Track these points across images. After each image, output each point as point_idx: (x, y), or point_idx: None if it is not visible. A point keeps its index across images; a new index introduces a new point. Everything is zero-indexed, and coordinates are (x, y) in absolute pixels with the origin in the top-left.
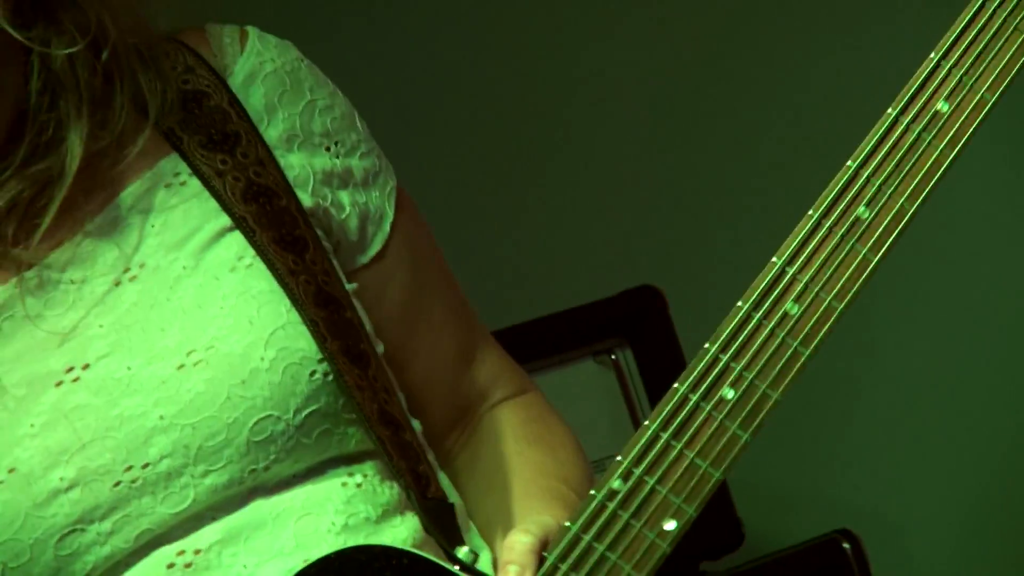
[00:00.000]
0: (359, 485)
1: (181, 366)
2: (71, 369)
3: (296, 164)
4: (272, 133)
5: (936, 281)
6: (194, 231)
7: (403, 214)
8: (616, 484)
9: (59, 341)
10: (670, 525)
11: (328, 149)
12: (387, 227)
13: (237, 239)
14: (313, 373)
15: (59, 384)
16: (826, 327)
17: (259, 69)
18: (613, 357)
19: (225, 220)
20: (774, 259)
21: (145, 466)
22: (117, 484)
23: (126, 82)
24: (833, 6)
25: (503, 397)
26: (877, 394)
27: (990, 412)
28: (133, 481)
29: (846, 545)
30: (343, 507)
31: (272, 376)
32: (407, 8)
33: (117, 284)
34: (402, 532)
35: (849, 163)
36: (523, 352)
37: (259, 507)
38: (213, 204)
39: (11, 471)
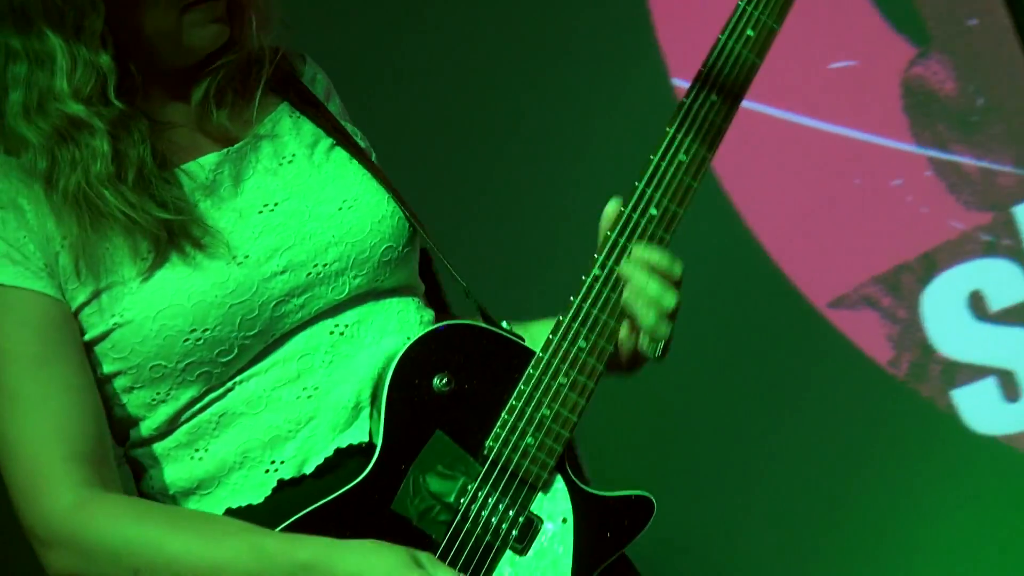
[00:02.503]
0: (418, 303)
1: (340, 208)
2: (266, 205)
3: (347, 127)
4: (331, 108)
5: None
6: (316, 141)
7: None
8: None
9: (251, 191)
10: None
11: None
12: None
13: (341, 151)
14: (408, 227)
15: (260, 212)
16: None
17: (315, 75)
18: None
19: (331, 140)
20: (597, 256)
21: (325, 265)
22: (308, 274)
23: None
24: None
25: None
26: None
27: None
28: (318, 274)
29: None
30: (416, 311)
31: (392, 221)
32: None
33: (280, 164)
34: None
35: (636, 183)
36: None
37: (374, 304)
38: (320, 131)
39: (247, 256)
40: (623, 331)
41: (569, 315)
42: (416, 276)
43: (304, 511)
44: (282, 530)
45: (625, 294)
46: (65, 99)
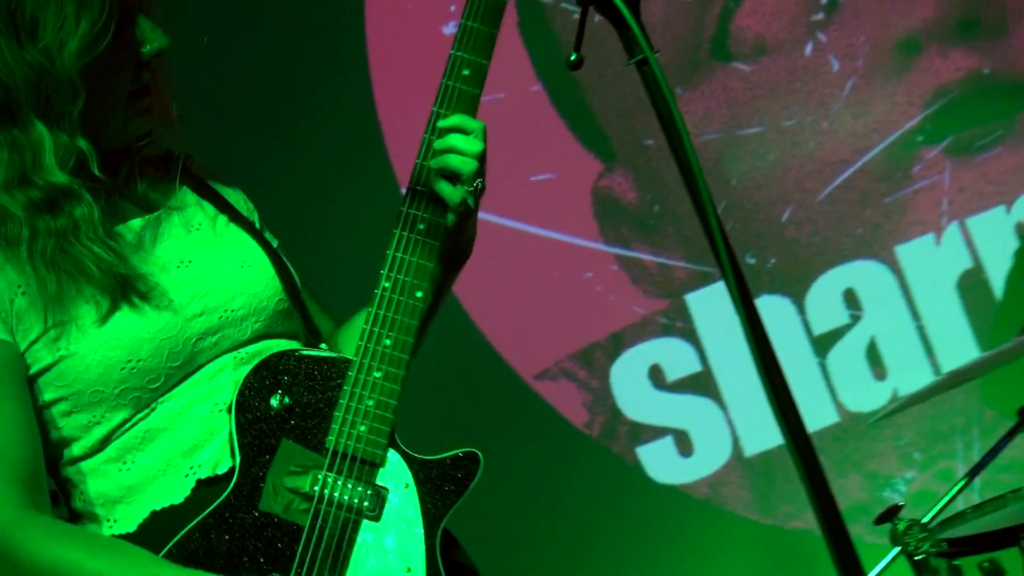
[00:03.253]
0: (301, 346)
1: (241, 267)
2: (183, 262)
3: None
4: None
5: None
6: (216, 215)
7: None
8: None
9: (169, 250)
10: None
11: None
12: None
13: (234, 224)
14: (293, 285)
15: (178, 267)
16: (420, 292)
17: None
18: None
19: (226, 216)
20: (382, 272)
21: (232, 311)
22: (220, 317)
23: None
24: None
25: None
26: None
27: None
28: (227, 318)
29: None
30: (297, 345)
31: (280, 278)
32: None
33: (189, 231)
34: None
35: (401, 208)
36: None
37: (269, 342)
38: (216, 208)
39: (171, 301)
40: (449, 193)
41: (371, 322)
42: (301, 326)
43: (189, 525)
44: (178, 540)
45: (435, 162)
46: (54, 171)
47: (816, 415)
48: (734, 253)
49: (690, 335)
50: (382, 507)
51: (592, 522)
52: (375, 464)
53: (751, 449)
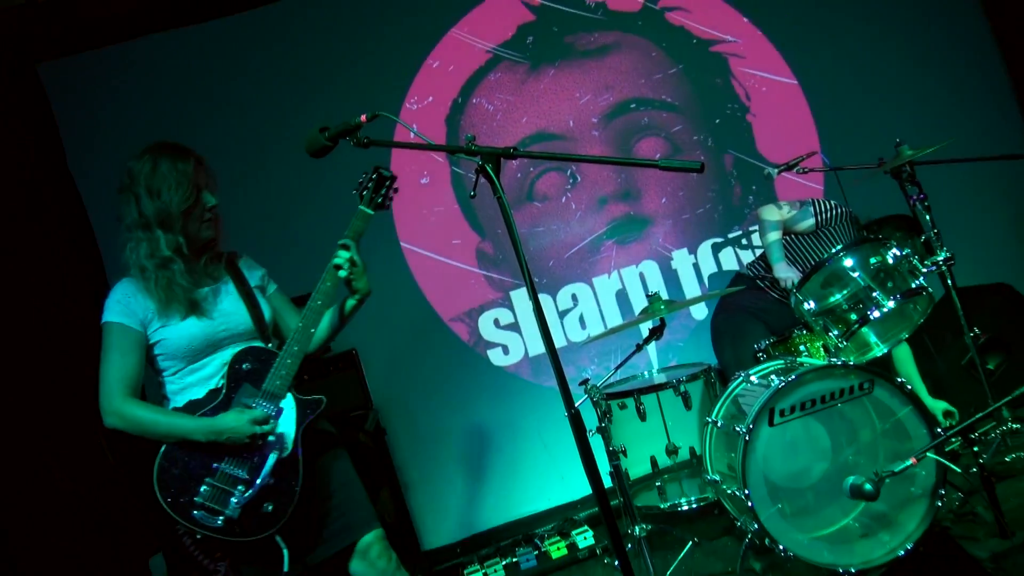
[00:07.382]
0: (261, 342)
1: (247, 311)
2: (220, 310)
3: (253, 281)
4: (247, 275)
5: None
6: (239, 288)
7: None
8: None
9: (220, 304)
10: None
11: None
12: (272, 288)
13: (244, 291)
14: (263, 322)
15: (220, 310)
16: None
17: (246, 260)
18: None
19: (243, 287)
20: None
21: (238, 332)
22: (232, 333)
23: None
24: None
25: None
26: None
27: None
28: (234, 333)
29: None
30: (261, 344)
31: (255, 322)
32: None
33: (228, 294)
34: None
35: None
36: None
37: (248, 343)
38: (240, 284)
39: (212, 320)
40: (342, 274)
41: (298, 325)
42: (262, 337)
43: (203, 408)
44: (198, 413)
45: (332, 267)
46: (166, 252)
47: (558, 339)
48: (531, 275)
49: (511, 307)
50: (279, 416)
51: (464, 381)
52: (280, 396)
53: (532, 352)
